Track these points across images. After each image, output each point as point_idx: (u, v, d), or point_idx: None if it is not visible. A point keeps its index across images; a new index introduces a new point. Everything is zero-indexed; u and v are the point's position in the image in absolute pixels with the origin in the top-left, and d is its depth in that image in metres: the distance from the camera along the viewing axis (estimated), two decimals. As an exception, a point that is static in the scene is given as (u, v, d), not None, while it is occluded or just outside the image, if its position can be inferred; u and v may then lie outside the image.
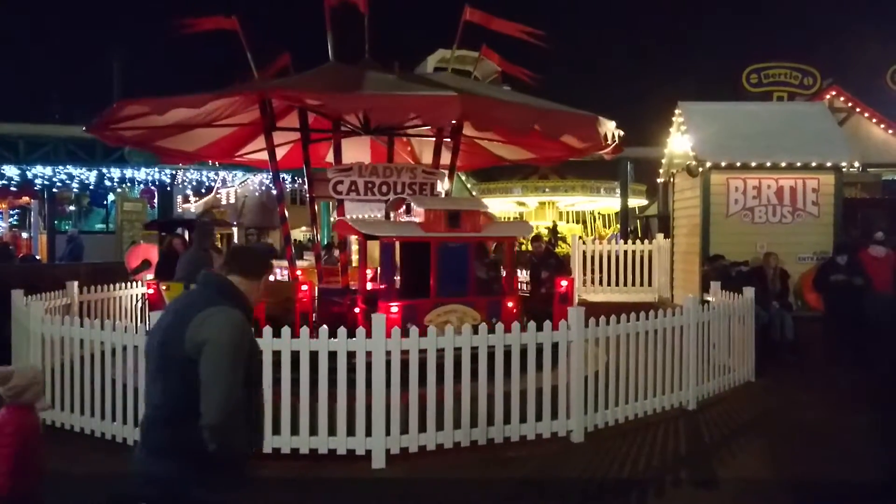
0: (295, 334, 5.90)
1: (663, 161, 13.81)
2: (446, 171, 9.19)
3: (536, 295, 9.64)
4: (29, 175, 18.01)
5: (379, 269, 7.68)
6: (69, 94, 53.62)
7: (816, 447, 6.44)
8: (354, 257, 10.47)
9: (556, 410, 6.45)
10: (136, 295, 10.58)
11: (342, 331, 5.96)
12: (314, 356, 5.84)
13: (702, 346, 7.70)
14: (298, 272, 8.83)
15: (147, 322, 8.15)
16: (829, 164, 11.38)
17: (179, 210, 25.16)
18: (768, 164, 11.36)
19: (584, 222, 30.62)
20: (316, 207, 9.39)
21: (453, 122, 8.38)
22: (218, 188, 25.90)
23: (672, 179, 13.52)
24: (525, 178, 26.88)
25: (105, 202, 26.39)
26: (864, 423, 7.12)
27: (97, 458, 5.85)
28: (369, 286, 7.91)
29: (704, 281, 10.44)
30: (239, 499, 2.87)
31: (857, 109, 18.69)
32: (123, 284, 10.48)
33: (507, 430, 6.26)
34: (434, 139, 9.34)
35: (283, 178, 10.96)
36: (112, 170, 18.51)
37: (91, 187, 19.41)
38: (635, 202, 27.13)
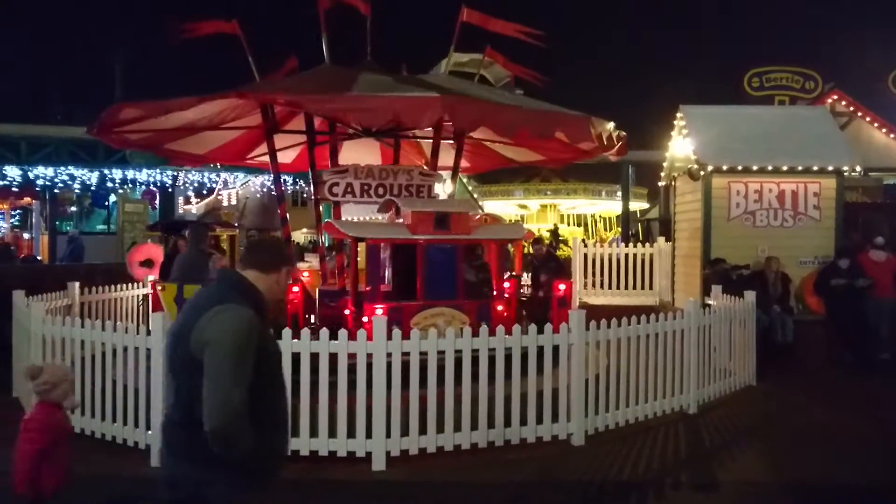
0: (294, 336, 5.89)
1: (664, 164, 13.83)
2: (445, 173, 9.07)
3: (536, 298, 9.62)
4: (30, 176, 18.07)
5: (366, 271, 7.61)
6: (71, 95, 53.83)
7: (817, 450, 6.43)
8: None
9: (557, 413, 6.44)
10: (138, 296, 10.59)
11: (342, 332, 5.96)
12: (314, 357, 5.83)
13: (703, 349, 7.69)
14: (305, 274, 8.79)
15: (148, 323, 8.13)
16: (830, 168, 11.40)
17: (181, 211, 25.15)
18: (770, 168, 11.37)
19: (586, 225, 30.67)
20: (320, 209, 9.37)
21: (434, 123, 8.09)
22: (219, 190, 25.94)
23: (673, 183, 13.53)
24: (527, 180, 26.92)
25: (106, 203, 26.37)
26: (865, 426, 7.13)
27: (98, 459, 5.83)
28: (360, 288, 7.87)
29: (705, 284, 10.44)
30: (252, 500, 2.80)
31: (859, 113, 18.67)
32: (124, 285, 10.49)
33: (507, 433, 6.24)
34: (443, 141, 9.19)
35: (284, 179, 10.95)
36: (114, 171, 18.57)
37: (93, 188, 19.44)
38: (636, 205, 27.19)
